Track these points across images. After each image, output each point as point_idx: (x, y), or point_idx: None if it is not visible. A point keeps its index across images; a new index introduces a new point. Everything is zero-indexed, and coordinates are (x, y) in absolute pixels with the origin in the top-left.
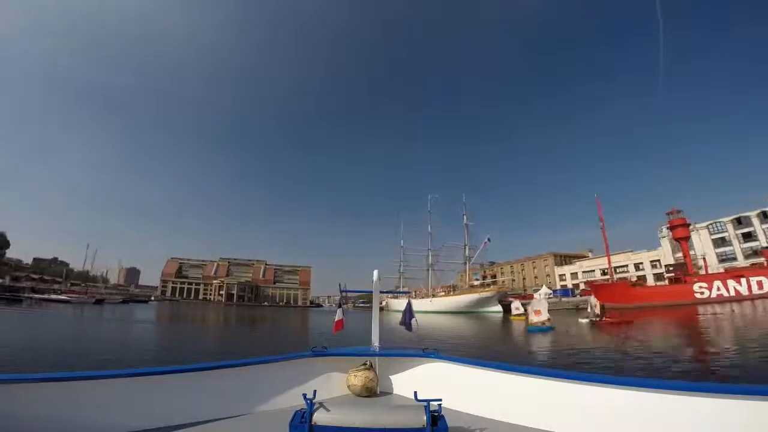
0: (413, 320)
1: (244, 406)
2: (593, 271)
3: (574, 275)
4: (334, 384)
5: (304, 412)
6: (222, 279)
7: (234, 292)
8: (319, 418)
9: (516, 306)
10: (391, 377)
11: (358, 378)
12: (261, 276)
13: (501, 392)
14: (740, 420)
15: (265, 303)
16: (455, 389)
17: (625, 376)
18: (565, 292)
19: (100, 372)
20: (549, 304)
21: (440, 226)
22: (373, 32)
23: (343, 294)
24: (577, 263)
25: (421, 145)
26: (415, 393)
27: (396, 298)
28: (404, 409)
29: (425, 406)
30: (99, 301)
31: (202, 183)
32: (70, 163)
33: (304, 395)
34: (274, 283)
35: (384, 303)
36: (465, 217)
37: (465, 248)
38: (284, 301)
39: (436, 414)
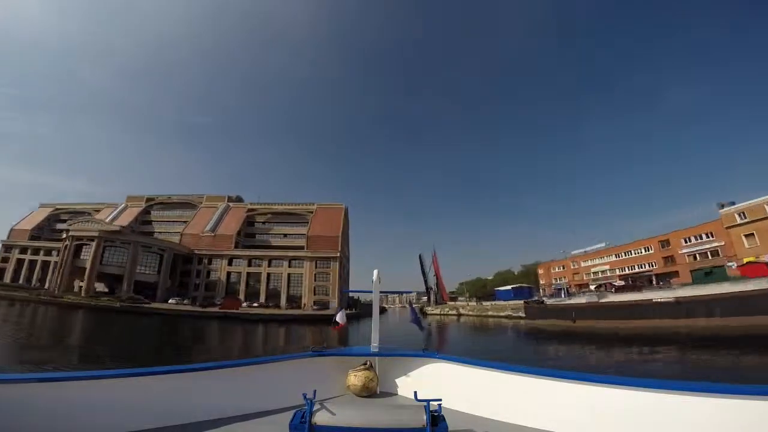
0: (420, 320)
1: (243, 406)
2: None
3: None
4: (334, 384)
5: (304, 412)
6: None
7: (107, 268)
8: (319, 418)
9: None
10: (391, 377)
11: (358, 378)
12: (207, 228)
13: (501, 392)
14: (740, 420)
15: (189, 301)
16: (455, 389)
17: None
18: None
19: (99, 372)
20: None
21: None
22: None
23: (344, 294)
24: None
25: None
26: (415, 393)
27: None
28: (404, 409)
29: (425, 406)
30: None
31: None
32: None
33: (304, 395)
34: (242, 245)
35: None
36: None
37: None
38: (264, 297)
39: (436, 414)
